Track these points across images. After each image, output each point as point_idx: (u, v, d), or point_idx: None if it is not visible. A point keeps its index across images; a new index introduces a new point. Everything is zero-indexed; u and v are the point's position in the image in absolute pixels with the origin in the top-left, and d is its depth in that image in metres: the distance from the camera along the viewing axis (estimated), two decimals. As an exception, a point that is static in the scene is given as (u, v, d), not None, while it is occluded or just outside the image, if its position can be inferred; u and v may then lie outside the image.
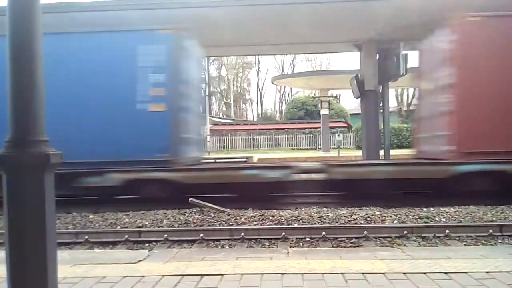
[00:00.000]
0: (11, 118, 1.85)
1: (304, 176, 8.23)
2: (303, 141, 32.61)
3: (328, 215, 5.60)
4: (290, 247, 4.39)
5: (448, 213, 5.65)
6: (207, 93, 44.67)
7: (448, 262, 3.11)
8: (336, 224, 5.20)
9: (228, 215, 5.76)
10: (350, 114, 38.35)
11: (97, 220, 5.78)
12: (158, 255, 3.72)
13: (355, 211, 5.91)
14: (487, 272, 2.85)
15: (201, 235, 4.77)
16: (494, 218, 5.38)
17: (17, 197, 1.82)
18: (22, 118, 1.85)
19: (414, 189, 7.70)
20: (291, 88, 51.11)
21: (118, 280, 2.85)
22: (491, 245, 4.42)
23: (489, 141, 7.02)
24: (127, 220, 5.72)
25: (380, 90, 13.05)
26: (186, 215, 5.95)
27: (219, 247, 4.55)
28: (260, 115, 56.35)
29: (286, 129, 33.65)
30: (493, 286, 2.59)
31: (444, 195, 7.10)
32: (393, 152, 15.66)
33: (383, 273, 2.87)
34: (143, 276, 2.93)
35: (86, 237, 4.82)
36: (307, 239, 4.68)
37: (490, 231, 4.71)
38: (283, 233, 4.72)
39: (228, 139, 33.30)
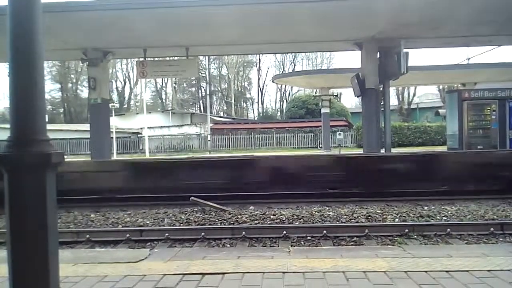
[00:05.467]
0: (12, 118, 1.85)
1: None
2: (304, 140, 32.58)
3: (329, 214, 5.61)
4: (291, 245, 4.39)
5: (449, 212, 5.65)
6: (207, 92, 44.76)
7: (450, 261, 3.11)
8: (337, 222, 5.21)
9: (230, 214, 5.77)
10: (351, 113, 38.33)
11: (99, 219, 5.79)
12: (159, 254, 3.72)
13: (356, 209, 5.92)
14: (488, 271, 2.85)
15: (203, 234, 4.78)
16: (495, 217, 5.39)
17: (18, 197, 1.82)
18: (23, 117, 1.85)
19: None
20: (291, 87, 51.06)
21: (119, 279, 2.85)
22: (492, 243, 4.42)
23: None
24: (128, 219, 5.74)
25: (381, 89, 13.02)
26: (188, 214, 5.96)
27: (221, 246, 4.55)
28: (261, 114, 56.33)
29: (287, 128, 33.61)
30: (494, 285, 2.59)
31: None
32: (394, 150, 15.67)
33: (384, 272, 2.87)
34: (145, 275, 2.93)
35: (88, 236, 4.82)
36: (308, 237, 4.68)
37: (492, 229, 4.71)
38: (284, 232, 4.73)
39: (229, 138, 33.29)
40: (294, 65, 55.04)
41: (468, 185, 7.54)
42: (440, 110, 25.60)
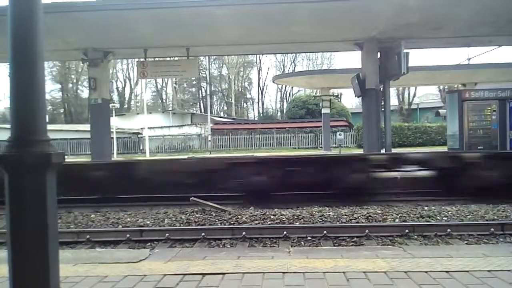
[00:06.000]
0: (12, 118, 1.85)
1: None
2: (304, 140, 32.58)
3: (330, 214, 5.61)
4: (292, 246, 4.39)
5: (450, 212, 5.64)
6: (208, 92, 44.77)
7: (450, 261, 3.11)
8: (338, 223, 5.20)
9: (230, 214, 5.77)
10: (351, 113, 38.33)
11: (99, 220, 5.79)
12: (159, 254, 3.73)
13: (357, 210, 5.91)
14: (488, 271, 2.84)
15: (203, 234, 4.78)
16: (495, 217, 5.38)
17: (19, 197, 1.83)
18: (24, 117, 1.85)
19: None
20: (292, 87, 51.05)
21: (119, 279, 2.86)
22: (492, 243, 4.42)
23: None
24: (128, 219, 5.73)
25: (381, 89, 13.02)
26: (188, 214, 5.95)
27: (221, 246, 4.55)
28: (261, 114, 56.34)
29: (287, 128, 33.61)
30: (494, 285, 2.59)
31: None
32: (394, 150, 15.66)
33: (384, 272, 2.87)
34: (145, 275, 2.93)
35: (88, 236, 4.82)
36: (309, 238, 4.68)
37: (492, 229, 4.70)
38: (285, 232, 4.72)
39: (229, 138, 33.30)
40: (295, 65, 55.11)
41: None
42: (440, 111, 25.60)
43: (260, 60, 56.20)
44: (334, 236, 4.69)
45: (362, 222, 5.20)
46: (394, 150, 14.84)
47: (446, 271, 2.86)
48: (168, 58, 15.24)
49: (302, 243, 4.57)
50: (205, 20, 10.35)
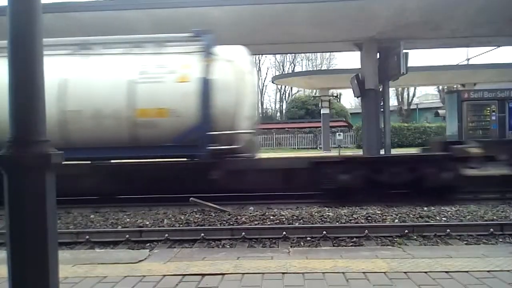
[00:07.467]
0: (11, 119, 1.84)
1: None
2: (303, 140, 32.56)
3: (329, 215, 5.61)
4: (291, 246, 4.39)
5: (449, 212, 5.65)
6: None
7: (449, 261, 3.11)
8: (337, 223, 5.21)
9: (229, 215, 5.77)
10: (351, 113, 38.34)
11: (98, 220, 5.79)
12: (159, 254, 3.73)
13: (356, 210, 5.91)
14: (488, 271, 2.85)
15: (202, 234, 4.78)
16: (495, 217, 5.38)
17: (18, 197, 1.82)
18: (23, 118, 1.85)
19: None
20: (291, 88, 51.06)
21: (119, 280, 2.85)
22: (492, 244, 4.42)
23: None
24: (128, 220, 5.73)
25: (380, 89, 13.02)
26: (187, 214, 5.95)
27: (220, 246, 4.55)
28: (260, 115, 56.29)
29: (286, 129, 33.60)
30: (494, 285, 2.59)
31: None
32: (394, 151, 15.67)
33: (384, 272, 2.87)
34: (144, 276, 2.93)
35: (87, 237, 4.82)
36: (308, 238, 4.68)
37: (491, 230, 4.71)
38: (284, 233, 4.73)
39: (229, 138, 33.22)
40: (294, 66, 55.00)
41: None
42: (439, 111, 25.58)
43: (259, 60, 56.17)
44: (334, 237, 4.69)
45: (362, 223, 5.20)
46: (393, 151, 14.82)
47: (446, 272, 2.86)
48: (167, 59, 15.22)
49: (302, 243, 4.57)
50: (203, 21, 10.34)
